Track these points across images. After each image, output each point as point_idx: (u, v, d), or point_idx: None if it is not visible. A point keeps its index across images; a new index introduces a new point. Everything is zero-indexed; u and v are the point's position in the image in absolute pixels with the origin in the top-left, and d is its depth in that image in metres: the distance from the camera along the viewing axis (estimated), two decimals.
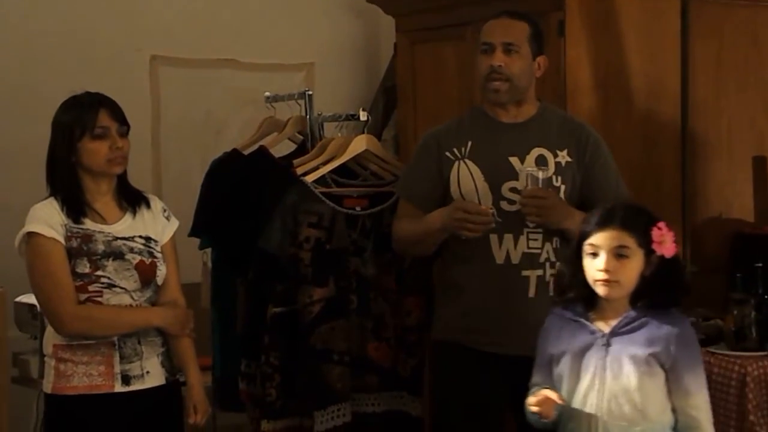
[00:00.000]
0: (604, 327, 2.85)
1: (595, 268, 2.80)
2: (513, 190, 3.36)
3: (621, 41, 4.46)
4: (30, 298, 3.96)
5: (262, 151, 3.88)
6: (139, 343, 3.19)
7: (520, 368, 3.26)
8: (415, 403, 3.78)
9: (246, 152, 3.93)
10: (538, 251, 3.35)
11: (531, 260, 3.35)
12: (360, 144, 3.85)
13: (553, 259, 3.35)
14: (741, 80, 4.74)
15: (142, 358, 3.19)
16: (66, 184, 3.16)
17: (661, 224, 2.82)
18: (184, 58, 5.23)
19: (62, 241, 3.11)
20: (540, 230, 3.35)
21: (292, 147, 4.07)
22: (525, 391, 3.25)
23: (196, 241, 3.88)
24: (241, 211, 3.73)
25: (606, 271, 2.78)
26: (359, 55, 5.74)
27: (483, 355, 3.37)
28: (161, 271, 3.24)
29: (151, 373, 3.20)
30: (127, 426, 3.17)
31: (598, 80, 4.41)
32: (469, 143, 3.41)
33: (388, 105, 5.39)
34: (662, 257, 2.81)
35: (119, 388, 3.14)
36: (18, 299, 4.26)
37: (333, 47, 5.64)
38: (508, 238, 3.35)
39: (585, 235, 2.83)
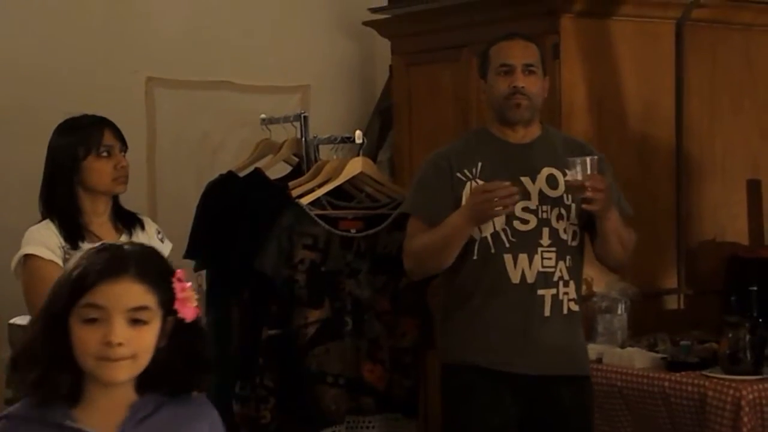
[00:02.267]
0: (103, 429, 1.95)
1: (95, 339, 1.89)
2: (525, 209, 3.37)
3: (616, 64, 4.47)
4: (24, 320, 3.94)
5: (258, 173, 3.88)
6: None
7: (535, 387, 3.35)
8: (411, 426, 3.77)
9: (241, 174, 3.93)
10: (552, 269, 3.36)
11: (546, 279, 3.35)
12: (355, 166, 3.85)
13: (566, 277, 3.36)
14: (735, 103, 4.76)
15: None
16: (64, 205, 3.15)
17: (181, 273, 2.01)
18: (180, 80, 5.24)
19: (60, 263, 3.11)
20: (554, 249, 3.35)
21: (288, 169, 4.08)
22: (539, 411, 3.34)
23: (191, 262, 3.87)
24: (236, 233, 3.73)
25: (118, 344, 1.89)
26: (355, 78, 5.75)
27: (500, 375, 3.36)
28: None
29: None
30: None
31: (593, 102, 4.42)
32: (480, 164, 3.41)
33: (384, 127, 5.39)
34: (182, 321, 1.99)
35: None
36: (12, 321, 4.25)
37: (329, 69, 5.65)
38: (523, 257, 3.34)
39: (81, 289, 1.93)
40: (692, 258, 4.64)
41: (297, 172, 4.00)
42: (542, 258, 3.35)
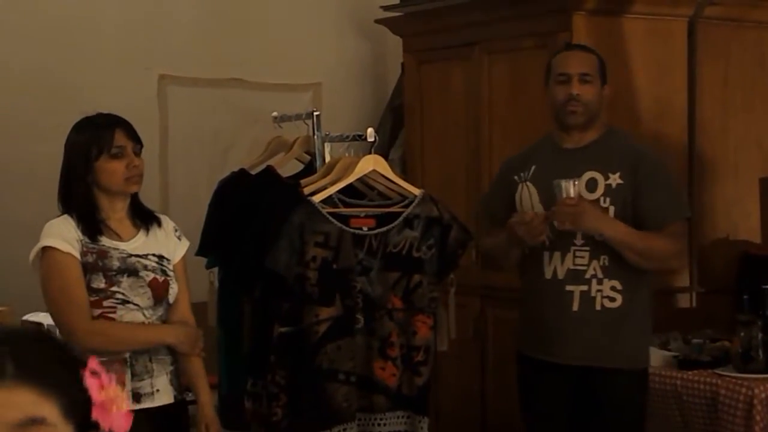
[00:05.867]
0: None
1: None
2: None
3: (628, 62, 4.47)
4: (37, 317, 3.96)
5: (270, 171, 3.88)
6: (150, 360, 3.21)
7: (578, 377, 3.59)
8: (422, 423, 3.77)
9: (253, 172, 3.94)
10: (584, 268, 3.58)
11: (576, 276, 3.58)
12: (367, 164, 3.85)
13: (600, 275, 3.56)
14: (748, 101, 4.75)
15: (153, 376, 3.20)
16: (82, 203, 3.18)
17: (95, 363, 1.33)
18: (193, 78, 5.25)
19: (78, 256, 3.13)
20: (587, 248, 3.56)
21: (300, 167, 4.08)
22: (584, 400, 3.58)
23: (203, 260, 3.88)
24: (248, 231, 3.74)
25: None
26: (367, 75, 5.76)
27: (545, 364, 3.64)
28: (173, 290, 3.28)
29: (161, 391, 3.21)
30: None
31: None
32: (533, 167, 3.69)
33: (396, 125, 5.40)
34: None
35: (130, 405, 3.15)
36: (25, 317, 4.27)
37: (341, 67, 5.65)
38: (557, 255, 3.61)
39: None
40: (704, 256, 4.63)
41: (308, 169, 4.00)
42: (574, 256, 3.58)
